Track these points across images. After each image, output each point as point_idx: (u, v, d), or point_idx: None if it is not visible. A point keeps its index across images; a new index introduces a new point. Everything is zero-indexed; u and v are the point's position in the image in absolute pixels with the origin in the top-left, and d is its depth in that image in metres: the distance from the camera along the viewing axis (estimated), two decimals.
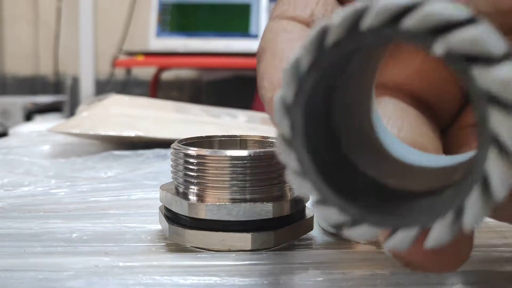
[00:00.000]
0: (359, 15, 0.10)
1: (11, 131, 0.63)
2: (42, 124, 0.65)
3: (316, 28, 0.11)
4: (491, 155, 0.09)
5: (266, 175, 0.20)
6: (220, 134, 0.24)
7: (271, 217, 0.20)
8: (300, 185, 0.11)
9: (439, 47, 0.09)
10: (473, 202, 0.10)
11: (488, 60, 0.09)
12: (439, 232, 0.10)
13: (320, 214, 0.11)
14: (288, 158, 0.11)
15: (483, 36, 0.09)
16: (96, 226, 0.24)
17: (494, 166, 0.09)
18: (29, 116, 1.24)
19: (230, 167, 0.20)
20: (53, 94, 1.58)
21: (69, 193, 0.31)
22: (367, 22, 0.10)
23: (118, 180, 0.34)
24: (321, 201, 0.11)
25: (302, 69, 0.11)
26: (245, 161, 0.20)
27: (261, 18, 1.44)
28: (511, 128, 0.09)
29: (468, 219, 0.10)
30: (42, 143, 0.49)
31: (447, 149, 0.17)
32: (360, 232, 0.11)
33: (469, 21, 0.09)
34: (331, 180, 0.11)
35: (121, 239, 0.22)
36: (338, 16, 0.10)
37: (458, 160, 0.13)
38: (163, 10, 1.50)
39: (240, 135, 0.24)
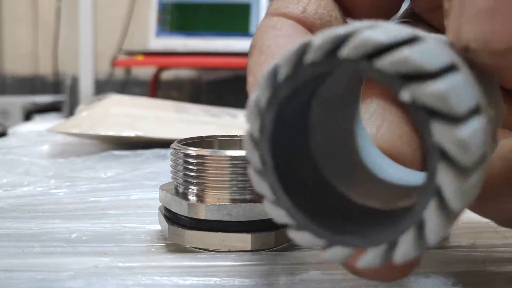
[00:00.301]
0: (340, 42, 0.10)
1: (10, 131, 0.62)
2: (42, 124, 0.65)
3: (299, 43, 0.11)
4: (431, 205, 0.10)
5: None
6: (220, 134, 0.24)
7: (272, 217, 0.19)
8: (258, 183, 0.12)
9: (406, 95, 0.09)
10: (406, 239, 0.10)
11: (451, 118, 0.09)
12: (370, 258, 0.10)
13: (271, 214, 0.12)
14: (252, 156, 0.12)
15: (450, 92, 0.09)
16: (95, 227, 0.24)
17: (431, 215, 0.09)
18: (28, 116, 1.24)
19: (230, 167, 0.20)
20: (53, 94, 1.58)
21: (69, 193, 0.31)
22: (345, 51, 0.10)
23: (117, 180, 0.34)
24: (296, 227, 0.12)
25: (278, 78, 0.11)
26: (245, 161, 0.20)
27: (261, 18, 1.44)
28: (457, 188, 0.09)
29: (398, 255, 0.10)
30: (41, 143, 0.49)
31: None
32: (304, 238, 0.11)
33: (443, 71, 0.09)
34: (292, 187, 0.12)
35: (120, 239, 0.22)
36: (321, 37, 0.10)
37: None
38: (163, 9, 1.50)
39: (240, 135, 0.24)
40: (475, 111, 0.09)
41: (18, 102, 1.31)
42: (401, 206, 0.12)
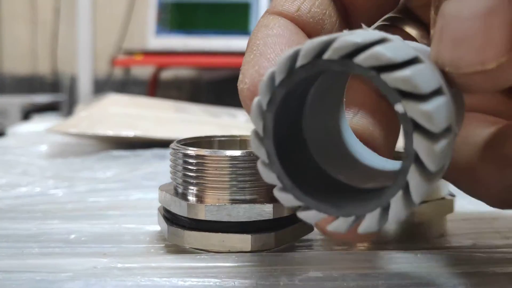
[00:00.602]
0: (324, 46, 0.12)
1: (9, 130, 0.62)
2: (40, 123, 0.65)
3: (290, 51, 0.13)
4: (412, 169, 0.12)
5: None
6: (220, 134, 0.24)
7: (272, 218, 0.19)
8: (267, 175, 0.14)
9: (380, 82, 0.12)
10: (396, 202, 0.12)
11: (417, 96, 0.11)
12: (368, 223, 0.13)
13: (280, 198, 0.14)
14: (259, 152, 0.14)
15: (415, 76, 0.11)
16: (94, 227, 0.23)
17: (413, 176, 0.12)
18: (26, 115, 1.24)
19: (230, 167, 0.19)
20: (51, 94, 1.58)
21: (67, 193, 0.30)
22: (328, 53, 0.12)
23: (116, 181, 0.34)
24: (282, 189, 0.14)
25: (275, 83, 0.13)
26: (245, 161, 0.19)
27: (260, 17, 1.43)
28: (429, 151, 0.12)
29: (391, 215, 0.12)
30: (40, 143, 0.49)
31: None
32: (309, 216, 0.14)
33: (408, 62, 0.12)
34: (293, 173, 0.14)
35: (119, 240, 0.22)
36: (308, 44, 0.13)
37: (397, 167, 0.15)
38: (162, 8, 1.50)
39: (240, 135, 0.24)
40: (437, 92, 0.12)
41: (16, 101, 1.31)
42: (379, 186, 0.14)
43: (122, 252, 0.20)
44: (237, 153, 0.20)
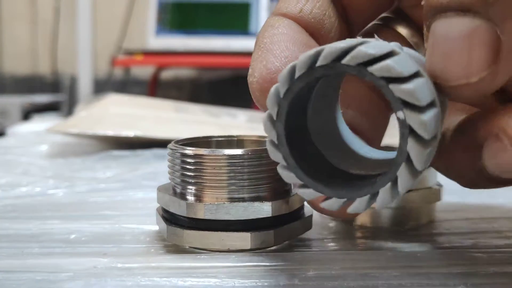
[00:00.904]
0: (343, 53, 0.14)
1: (9, 130, 0.62)
2: (40, 123, 0.65)
3: (312, 51, 0.15)
4: (402, 166, 0.14)
5: (264, 174, 0.20)
6: (219, 134, 0.24)
7: (270, 215, 0.19)
8: (274, 154, 0.16)
9: (389, 91, 0.14)
10: (384, 191, 0.15)
11: (416, 107, 0.14)
12: (357, 205, 0.15)
13: (282, 175, 0.16)
14: (270, 133, 0.16)
15: (416, 90, 0.13)
16: (94, 227, 0.24)
17: (402, 172, 0.14)
18: (27, 115, 1.24)
19: (228, 166, 0.20)
20: (51, 94, 1.58)
21: (68, 193, 0.30)
22: (347, 60, 0.14)
23: (116, 181, 0.34)
24: (286, 167, 0.16)
25: (280, 96, 0.15)
26: (243, 160, 0.20)
27: (260, 17, 1.44)
28: (419, 154, 0.14)
29: (379, 202, 0.15)
30: (40, 143, 0.49)
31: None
32: (307, 193, 0.16)
33: (412, 76, 0.14)
34: (297, 155, 0.16)
35: (119, 240, 0.22)
36: (329, 48, 0.14)
37: (388, 157, 0.18)
38: (162, 8, 1.50)
39: (237, 135, 0.24)
40: (431, 104, 0.14)
41: (16, 101, 1.31)
42: (366, 173, 0.17)
43: (122, 252, 0.20)
44: (235, 151, 0.20)
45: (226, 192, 0.20)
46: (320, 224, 0.24)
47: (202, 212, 0.19)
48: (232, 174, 0.20)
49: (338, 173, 0.17)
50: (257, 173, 0.20)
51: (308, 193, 0.16)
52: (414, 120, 0.14)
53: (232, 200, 0.19)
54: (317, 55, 0.15)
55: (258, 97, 0.18)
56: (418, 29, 0.21)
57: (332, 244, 0.21)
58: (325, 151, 0.18)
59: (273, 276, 0.18)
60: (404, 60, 0.14)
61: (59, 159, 0.42)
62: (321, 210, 0.19)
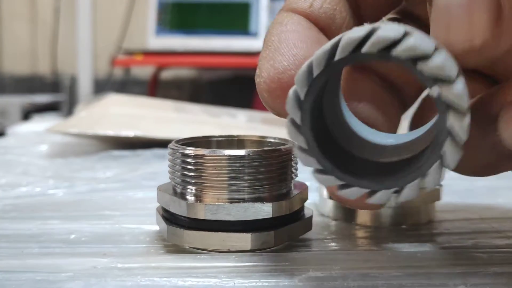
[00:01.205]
0: (361, 41, 0.14)
1: (9, 130, 0.62)
2: (40, 123, 0.65)
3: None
4: (447, 141, 0.14)
5: (265, 174, 0.20)
6: (219, 134, 0.24)
7: (271, 216, 0.19)
8: (306, 159, 0.15)
9: (417, 71, 0.13)
10: (434, 171, 0.14)
11: (448, 81, 0.13)
12: (408, 192, 0.15)
13: (320, 180, 0.16)
14: (297, 139, 0.15)
15: (444, 64, 0.13)
16: (94, 227, 0.23)
17: (449, 148, 0.14)
18: (27, 115, 1.24)
19: (229, 166, 0.20)
20: (51, 94, 1.58)
21: (68, 193, 0.30)
22: (367, 48, 0.14)
23: (116, 181, 0.34)
24: (322, 171, 0.15)
25: (301, 99, 0.15)
26: (244, 160, 0.20)
27: (260, 17, 1.44)
28: (461, 125, 0.13)
29: (429, 182, 0.14)
30: (40, 143, 0.49)
31: (413, 125, 0.21)
32: (351, 193, 0.15)
33: (434, 51, 0.13)
34: (328, 155, 0.15)
35: (119, 240, 0.22)
36: (346, 39, 0.14)
37: (408, 139, 0.17)
38: (162, 8, 1.50)
39: (237, 135, 0.24)
40: (459, 74, 0.14)
41: (16, 101, 1.31)
42: (404, 158, 0.16)
43: (122, 252, 0.20)
44: (235, 152, 0.20)
45: (226, 193, 0.20)
46: (320, 224, 0.24)
47: (203, 213, 0.19)
48: (232, 175, 0.19)
49: (369, 165, 0.17)
50: (257, 174, 0.20)
51: (352, 192, 0.15)
52: (449, 93, 0.13)
53: (233, 200, 0.19)
54: (334, 49, 0.14)
55: (266, 98, 0.17)
56: (426, 28, 0.21)
57: (332, 244, 0.21)
58: (345, 144, 0.17)
59: (273, 276, 0.18)
60: (422, 37, 0.13)
61: (59, 159, 0.42)
62: (367, 207, 0.19)
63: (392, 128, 0.21)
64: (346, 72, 0.20)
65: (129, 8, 1.62)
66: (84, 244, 0.21)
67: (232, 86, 1.55)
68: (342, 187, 0.15)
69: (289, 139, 0.16)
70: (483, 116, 0.16)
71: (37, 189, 0.31)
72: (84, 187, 0.32)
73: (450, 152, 0.14)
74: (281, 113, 0.18)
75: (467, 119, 0.14)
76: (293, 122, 0.15)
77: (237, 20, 1.45)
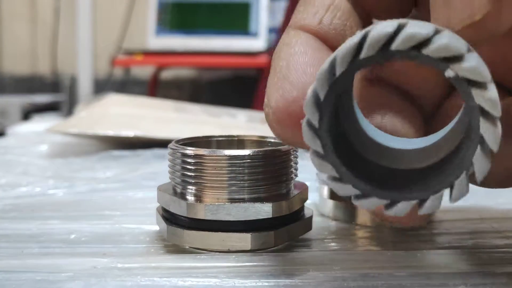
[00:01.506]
0: (389, 38, 0.13)
1: (9, 130, 0.62)
2: (40, 123, 0.65)
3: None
4: (478, 150, 0.13)
5: (264, 174, 0.20)
6: (219, 134, 0.24)
7: (271, 216, 0.19)
8: (321, 165, 0.14)
9: (450, 72, 0.13)
10: (460, 182, 0.13)
11: (482, 84, 0.12)
12: (432, 204, 0.14)
13: (335, 188, 0.14)
14: (314, 143, 0.14)
15: (479, 66, 0.12)
16: (94, 227, 0.23)
17: (479, 158, 0.13)
18: (27, 115, 1.24)
19: (229, 166, 0.20)
20: (51, 94, 1.58)
21: (67, 193, 0.30)
22: (396, 45, 0.13)
23: (116, 181, 0.34)
24: (337, 179, 0.14)
25: (320, 99, 0.14)
26: (244, 161, 0.20)
27: (260, 17, 1.44)
28: (493, 133, 0.13)
29: (456, 194, 0.14)
30: (40, 143, 0.49)
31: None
32: (368, 203, 0.14)
33: (467, 52, 0.13)
34: (344, 163, 0.14)
35: (119, 240, 0.22)
36: (372, 35, 0.13)
37: (428, 142, 0.16)
38: (162, 8, 1.50)
39: (237, 135, 0.24)
40: (491, 79, 0.13)
41: (16, 101, 1.31)
42: (428, 165, 0.15)
43: (122, 252, 0.20)
44: (235, 152, 0.20)
45: (226, 193, 0.20)
46: (320, 224, 0.24)
47: (203, 213, 0.19)
48: (232, 175, 0.19)
49: (388, 173, 0.15)
50: (257, 174, 0.20)
51: (370, 202, 0.14)
52: (484, 98, 0.12)
53: (233, 200, 0.19)
54: (360, 45, 0.13)
55: (276, 128, 0.16)
56: None
57: (332, 244, 0.21)
58: (363, 151, 0.16)
59: (273, 276, 0.18)
60: (453, 36, 0.13)
61: (59, 159, 0.42)
62: (387, 219, 0.17)
63: (420, 131, 0.20)
64: (360, 86, 0.19)
65: (129, 8, 1.62)
66: (84, 244, 0.21)
67: (232, 86, 1.55)
68: (358, 197, 0.14)
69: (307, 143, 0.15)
70: (508, 123, 0.15)
71: (37, 189, 0.31)
72: (84, 187, 0.32)
73: (481, 163, 0.13)
74: (291, 142, 0.17)
75: (499, 127, 0.13)
76: (309, 124, 0.14)
77: (237, 20, 1.45)
